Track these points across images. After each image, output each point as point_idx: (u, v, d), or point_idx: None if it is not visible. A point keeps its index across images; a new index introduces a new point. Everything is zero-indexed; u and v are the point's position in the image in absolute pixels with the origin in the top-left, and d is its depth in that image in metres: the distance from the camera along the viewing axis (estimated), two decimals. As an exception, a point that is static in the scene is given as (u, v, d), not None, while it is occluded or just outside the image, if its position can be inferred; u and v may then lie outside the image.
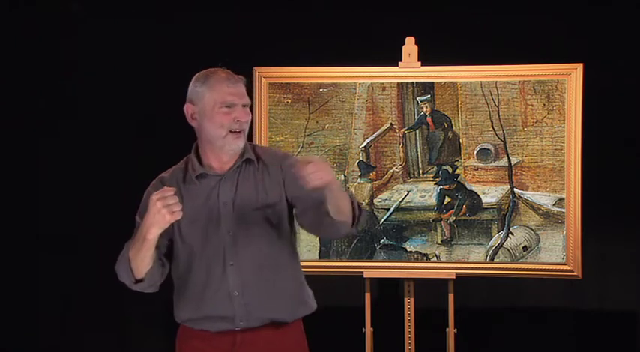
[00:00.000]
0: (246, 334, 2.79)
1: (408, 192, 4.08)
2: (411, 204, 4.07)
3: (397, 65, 4.08)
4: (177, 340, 2.92)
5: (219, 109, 2.74)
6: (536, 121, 4.00)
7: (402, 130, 4.09)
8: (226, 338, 2.80)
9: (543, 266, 4.01)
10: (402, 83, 4.08)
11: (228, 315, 2.78)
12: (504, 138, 4.03)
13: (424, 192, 4.08)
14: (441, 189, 4.07)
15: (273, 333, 2.81)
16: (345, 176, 4.08)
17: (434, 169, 4.08)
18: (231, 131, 2.74)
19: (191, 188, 2.81)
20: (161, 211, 2.53)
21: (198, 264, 2.79)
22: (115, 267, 2.80)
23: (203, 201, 2.79)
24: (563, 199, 3.97)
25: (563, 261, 3.99)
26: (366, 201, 4.06)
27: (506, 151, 4.02)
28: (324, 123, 4.10)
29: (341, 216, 2.64)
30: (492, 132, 4.03)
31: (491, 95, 4.03)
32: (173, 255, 2.84)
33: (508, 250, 4.02)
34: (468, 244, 4.04)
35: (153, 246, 2.66)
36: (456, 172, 4.06)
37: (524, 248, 4.01)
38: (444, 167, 4.07)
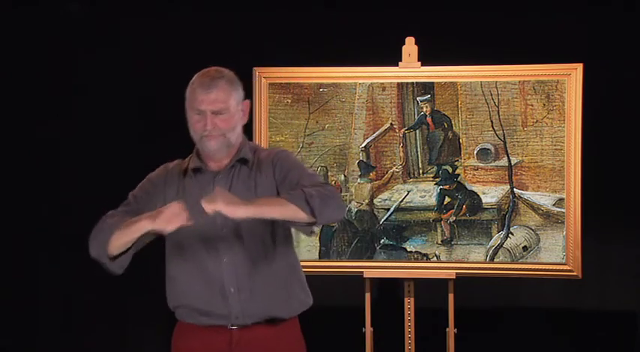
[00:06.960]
0: (242, 332, 2.79)
1: (408, 192, 4.08)
2: (411, 204, 4.07)
3: (397, 65, 4.08)
4: (172, 339, 2.91)
5: (193, 115, 2.76)
6: (536, 121, 4.00)
7: (402, 130, 4.09)
8: (222, 337, 2.80)
9: (543, 266, 4.00)
10: (402, 83, 4.08)
11: (224, 312, 2.78)
12: (504, 138, 4.02)
13: (424, 192, 4.08)
14: (441, 189, 4.07)
15: (269, 331, 2.81)
16: (345, 176, 4.08)
17: (434, 169, 4.08)
18: (203, 135, 2.76)
19: (188, 182, 2.84)
20: (172, 219, 2.59)
21: (192, 258, 2.79)
22: (91, 238, 2.86)
23: (198, 197, 2.77)
24: (563, 199, 3.97)
25: (563, 261, 3.99)
26: (366, 201, 4.07)
27: (506, 151, 4.02)
28: (324, 123, 4.10)
29: (294, 225, 2.69)
30: (492, 132, 4.03)
31: (491, 95, 4.03)
32: (166, 246, 2.87)
33: (508, 250, 4.02)
34: (468, 244, 4.04)
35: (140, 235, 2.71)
36: (456, 172, 4.06)
37: (524, 248, 4.01)
38: (444, 167, 4.06)
